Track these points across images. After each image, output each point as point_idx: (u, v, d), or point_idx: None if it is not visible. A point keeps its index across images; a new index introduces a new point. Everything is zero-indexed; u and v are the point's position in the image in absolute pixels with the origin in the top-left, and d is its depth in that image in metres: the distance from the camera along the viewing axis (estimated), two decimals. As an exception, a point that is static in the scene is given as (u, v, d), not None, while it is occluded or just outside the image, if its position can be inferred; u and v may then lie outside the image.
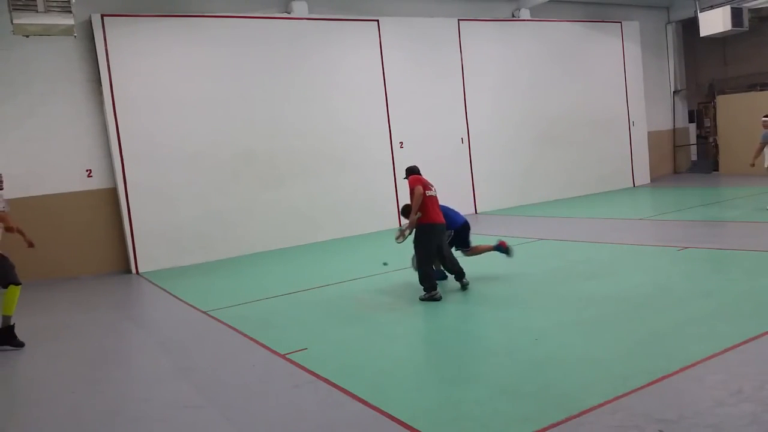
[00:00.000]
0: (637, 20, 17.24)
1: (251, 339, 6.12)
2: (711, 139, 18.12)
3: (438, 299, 6.86)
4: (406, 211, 7.55)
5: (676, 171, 18.92)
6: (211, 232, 11.42)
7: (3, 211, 6.44)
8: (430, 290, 6.89)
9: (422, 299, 6.89)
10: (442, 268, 7.43)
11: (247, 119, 11.74)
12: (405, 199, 7.39)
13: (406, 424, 3.89)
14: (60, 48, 10.33)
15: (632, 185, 17.10)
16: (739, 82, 17.38)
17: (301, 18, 12.27)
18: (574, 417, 3.73)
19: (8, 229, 6.35)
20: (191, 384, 5.07)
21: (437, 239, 7.03)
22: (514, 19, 15.21)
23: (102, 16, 10.50)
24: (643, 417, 3.64)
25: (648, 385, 4.08)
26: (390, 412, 4.07)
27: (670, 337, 5.08)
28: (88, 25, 10.51)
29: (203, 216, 11.35)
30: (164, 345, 6.36)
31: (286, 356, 5.44)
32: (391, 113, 13.28)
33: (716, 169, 17.58)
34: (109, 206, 10.89)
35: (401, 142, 13.36)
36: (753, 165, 11.10)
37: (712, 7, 15.17)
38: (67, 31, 8.38)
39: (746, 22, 14.61)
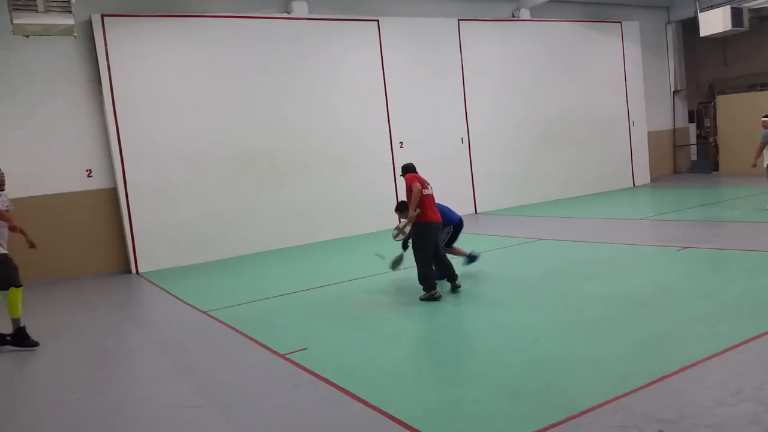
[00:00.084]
0: (637, 20, 17.24)
1: (251, 339, 6.12)
2: (711, 139, 18.12)
3: (438, 299, 6.86)
4: (399, 207, 7.55)
5: (676, 171, 18.92)
6: (211, 232, 11.42)
7: (7, 210, 6.44)
8: (429, 290, 6.89)
9: (422, 299, 6.89)
10: (433, 267, 7.41)
11: (247, 119, 11.74)
12: (404, 197, 7.38)
13: (406, 424, 3.89)
14: (60, 48, 10.34)
15: (632, 185, 17.10)
16: (739, 82, 17.38)
17: (301, 18, 12.27)
18: (574, 417, 3.73)
19: (12, 228, 6.35)
20: (191, 384, 5.07)
21: (434, 237, 7.03)
22: (514, 19, 15.21)
23: (102, 16, 10.51)
24: (643, 417, 3.64)
25: (648, 385, 4.08)
26: (390, 412, 4.07)
27: (670, 337, 5.08)
28: (88, 25, 10.51)
29: (203, 216, 11.35)
30: (164, 345, 6.36)
31: (286, 356, 5.44)
32: (391, 113, 13.28)
33: (716, 169, 17.59)
34: (109, 206, 10.89)
35: (401, 142, 13.36)
36: (755, 166, 11.11)
37: (712, 7, 15.17)
38: (67, 31, 8.38)
39: (746, 22, 14.61)
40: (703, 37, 15.29)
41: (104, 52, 10.53)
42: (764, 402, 3.69)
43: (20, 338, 6.38)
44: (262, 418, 4.25)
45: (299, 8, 12.28)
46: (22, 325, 6.40)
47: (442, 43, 13.99)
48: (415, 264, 7.02)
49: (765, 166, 11.03)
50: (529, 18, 15.26)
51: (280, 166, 12.08)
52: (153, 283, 9.78)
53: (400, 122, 13.37)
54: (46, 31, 8.34)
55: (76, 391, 5.17)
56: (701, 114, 18.92)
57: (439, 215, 7.15)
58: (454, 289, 7.16)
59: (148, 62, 10.90)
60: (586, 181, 16.12)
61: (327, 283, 8.36)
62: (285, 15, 12.25)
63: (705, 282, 6.88)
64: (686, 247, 8.39)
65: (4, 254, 6.34)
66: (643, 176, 17.38)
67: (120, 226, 10.96)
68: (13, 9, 7.95)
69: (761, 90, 16.53)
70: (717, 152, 17.56)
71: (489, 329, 5.90)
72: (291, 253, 11.46)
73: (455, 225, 7.83)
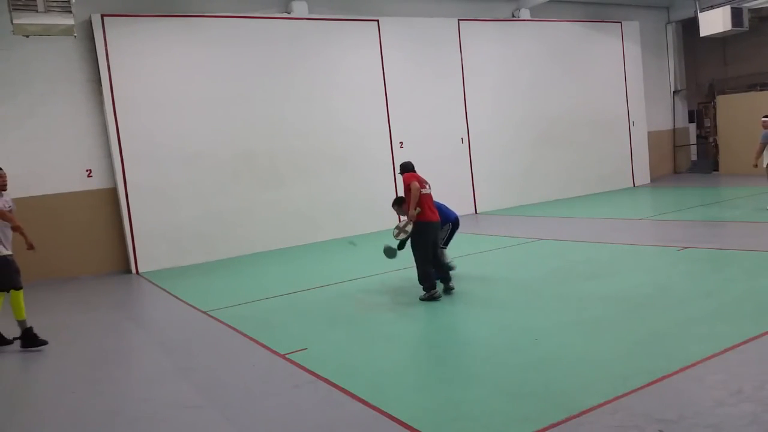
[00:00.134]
0: (637, 20, 17.24)
1: (251, 339, 6.12)
2: (711, 139, 18.12)
3: (437, 299, 6.86)
4: (397, 202, 7.53)
5: (676, 171, 18.92)
6: (211, 232, 11.42)
7: (9, 211, 6.43)
8: (429, 290, 6.89)
9: (422, 299, 6.89)
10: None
11: (247, 119, 11.74)
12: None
13: (406, 424, 3.89)
14: (60, 48, 10.34)
15: (632, 185, 17.10)
16: (739, 82, 17.38)
17: (301, 18, 12.27)
18: (574, 417, 3.73)
19: (14, 228, 6.35)
20: (191, 384, 5.07)
21: (432, 236, 7.03)
22: (514, 19, 15.21)
23: (102, 16, 10.51)
24: (643, 417, 3.64)
25: (648, 385, 4.08)
26: (390, 412, 4.07)
27: (670, 337, 5.08)
28: (88, 25, 10.51)
29: (203, 216, 11.35)
30: (164, 345, 6.36)
31: (286, 356, 5.44)
32: (391, 113, 13.28)
33: (716, 169, 17.59)
34: (109, 206, 10.89)
35: (401, 142, 13.36)
36: (756, 166, 11.12)
37: (712, 7, 15.17)
38: (67, 31, 8.38)
39: (746, 22, 14.61)
40: (703, 37, 15.29)
41: (104, 52, 10.53)
42: (764, 402, 3.69)
43: (29, 339, 6.41)
44: (262, 418, 4.25)
45: (299, 8, 12.28)
46: (28, 326, 6.42)
47: (442, 43, 13.98)
48: (414, 264, 7.02)
49: (765, 166, 11.04)
50: (529, 18, 15.26)
51: (280, 166, 12.08)
52: (153, 283, 9.78)
53: (400, 122, 13.37)
54: (46, 31, 8.34)
55: (76, 391, 5.17)
56: (701, 114, 18.92)
57: (438, 214, 7.15)
58: (447, 290, 7.15)
59: (148, 62, 10.90)
60: (586, 181, 16.12)
61: (327, 283, 8.36)
62: (285, 15, 12.26)
63: (705, 282, 6.88)
64: (686, 247, 8.39)
65: (6, 256, 6.33)
66: (643, 176, 17.38)
67: (120, 226, 10.96)
68: (13, 9, 7.95)
69: (761, 90, 16.53)
70: (717, 152, 17.57)
71: (489, 329, 5.90)
72: (291, 253, 11.46)
73: (453, 222, 7.82)
